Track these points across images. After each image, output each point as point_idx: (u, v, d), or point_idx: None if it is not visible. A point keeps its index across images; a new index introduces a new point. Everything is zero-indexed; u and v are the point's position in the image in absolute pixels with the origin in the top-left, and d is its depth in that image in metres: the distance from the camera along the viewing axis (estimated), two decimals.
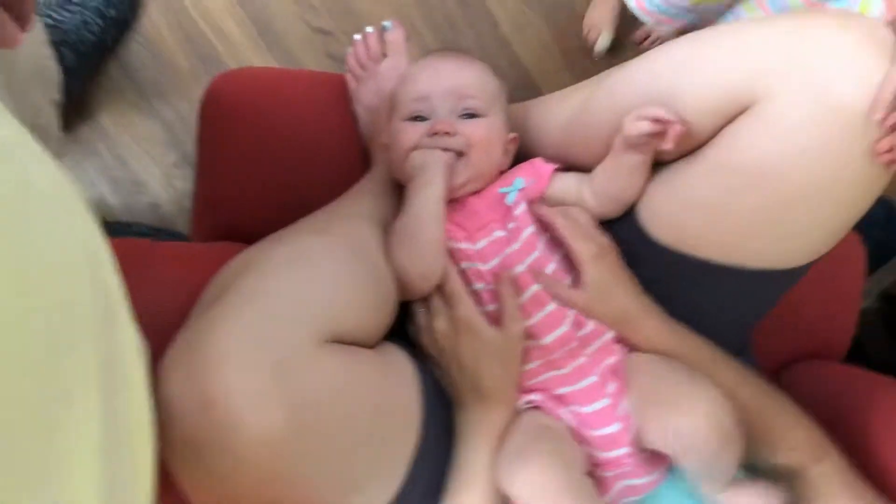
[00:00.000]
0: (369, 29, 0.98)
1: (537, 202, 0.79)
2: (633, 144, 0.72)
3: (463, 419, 0.72)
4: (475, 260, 0.75)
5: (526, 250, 0.75)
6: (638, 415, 0.69)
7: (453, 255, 0.76)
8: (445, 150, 0.76)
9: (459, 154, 0.76)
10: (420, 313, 0.75)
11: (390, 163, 0.82)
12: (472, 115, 0.77)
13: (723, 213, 0.70)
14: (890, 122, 0.60)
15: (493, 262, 0.75)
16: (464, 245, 0.76)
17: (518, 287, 0.74)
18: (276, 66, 1.30)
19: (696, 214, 0.72)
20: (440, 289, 0.74)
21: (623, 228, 0.78)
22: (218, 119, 0.86)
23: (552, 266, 0.76)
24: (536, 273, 0.74)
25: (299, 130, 0.88)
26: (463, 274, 0.75)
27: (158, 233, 1.27)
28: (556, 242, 0.77)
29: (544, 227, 0.77)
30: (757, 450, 0.74)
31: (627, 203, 0.78)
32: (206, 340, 0.54)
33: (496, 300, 0.74)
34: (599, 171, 0.77)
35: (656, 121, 0.68)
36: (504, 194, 0.78)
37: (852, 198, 0.67)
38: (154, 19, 1.27)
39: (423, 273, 0.72)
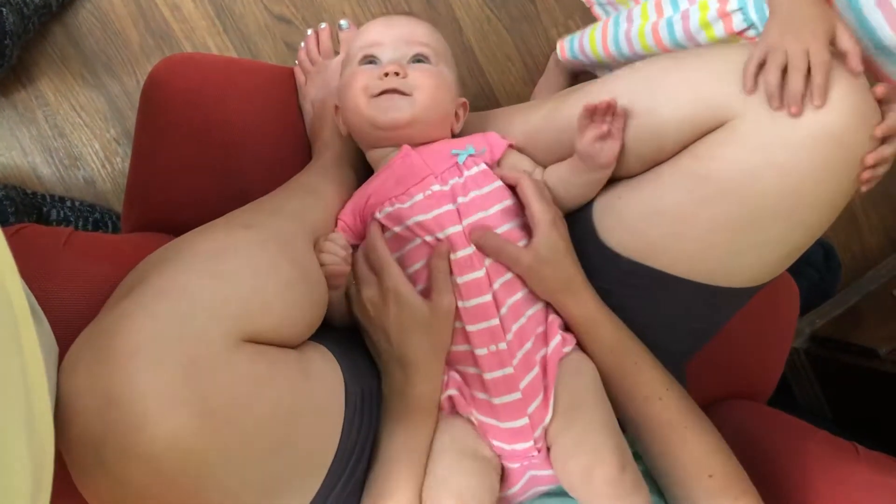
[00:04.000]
0: (323, 25, 0.96)
1: (493, 167, 0.80)
2: (588, 155, 0.74)
3: (387, 390, 0.72)
4: (410, 215, 0.75)
5: (471, 210, 0.75)
6: (551, 431, 0.70)
7: (382, 223, 0.76)
8: (394, 91, 0.76)
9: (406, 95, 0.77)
10: (351, 286, 0.75)
11: (345, 118, 0.81)
12: (423, 60, 0.78)
13: (688, 223, 0.72)
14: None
15: (429, 216, 0.75)
16: (395, 207, 0.76)
17: (451, 247, 0.73)
18: (231, 49, 1.26)
19: (661, 223, 0.74)
20: (368, 259, 0.74)
21: (580, 238, 0.79)
22: (158, 105, 0.83)
23: (503, 229, 0.76)
24: (483, 230, 0.74)
25: (242, 123, 0.86)
26: (393, 238, 0.76)
27: (92, 210, 1.22)
28: (508, 212, 0.77)
29: (500, 195, 0.77)
30: (673, 468, 0.74)
31: (577, 206, 0.80)
32: (114, 335, 0.52)
33: (421, 259, 0.74)
34: (555, 178, 0.79)
35: (596, 112, 0.72)
36: (455, 155, 0.78)
37: (811, 219, 0.69)
38: None
39: None
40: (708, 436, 0.74)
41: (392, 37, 0.79)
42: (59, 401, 0.50)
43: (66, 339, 0.55)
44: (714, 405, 0.97)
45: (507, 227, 0.75)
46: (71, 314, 0.61)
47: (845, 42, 0.67)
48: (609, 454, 0.65)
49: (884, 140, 0.66)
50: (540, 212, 0.75)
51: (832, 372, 1.30)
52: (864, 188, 0.69)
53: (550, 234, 0.74)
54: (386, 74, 0.76)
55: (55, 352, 0.55)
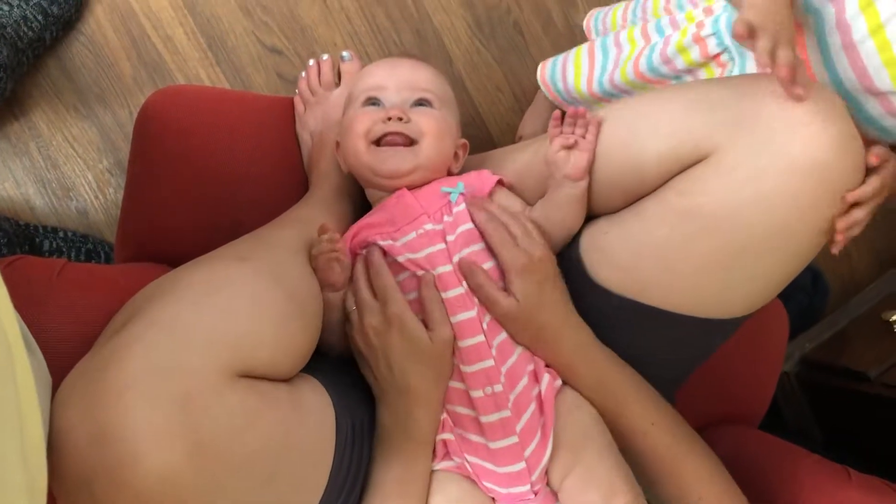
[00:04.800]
0: (325, 56, 0.97)
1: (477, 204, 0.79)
2: (554, 162, 0.74)
3: (385, 419, 0.71)
4: (401, 252, 0.75)
5: (458, 246, 0.75)
6: (554, 471, 0.70)
7: (385, 251, 0.76)
8: (397, 135, 0.76)
9: (411, 142, 0.77)
10: (352, 312, 0.74)
11: (345, 158, 0.81)
12: (426, 104, 0.79)
13: (677, 258, 0.72)
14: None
15: (421, 254, 0.75)
16: (387, 243, 0.76)
17: (442, 286, 0.73)
18: (223, 81, 1.27)
19: (649, 259, 0.74)
20: (371, 284, 0.74)
21: (569, 275, 0.79)
22: (152, 137, 0.84)
23: (489, 265, 0.75)
24: (470, 265, 0.73)
25: (235, 154, 0.86)
26: (391, 266, 0.75)
27: (85, 240, 1.22)
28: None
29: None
30: (664, 494, 0.74)
31: (565, 237, 0.79)
32: (107, 369, 0.52)
33: (413, 290, 0.74)
34: (538, 209, 0.79)
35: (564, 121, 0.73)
36: (446, 193, 0.78)
37: (800, 248, 0.70)
38: (100, 20, 1.23)
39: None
40: (698, 461, 0.75)
41: (396, 80, 0.79)
42: (52, 435, 0.50)
43: (60, 370, 0.55)
44: (705, 430, 0.97)
45: (492, 264, 0.75)
46: (64, 346, 0.61)
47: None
48: (622, 485, 0.66)
49: (856, 204, 0.66)
50: (507, 260, 0.73)
51: (823, 395, 1.30)
52: (833, 249, 0.69)
53: (521, 282, 0.73)
54: (389, 119, 0.76)
55: (48, 383, 0.55)
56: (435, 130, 0.78)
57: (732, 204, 0.68)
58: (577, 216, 0.78)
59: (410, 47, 1.33)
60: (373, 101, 0.79)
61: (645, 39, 0.98)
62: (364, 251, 0.77)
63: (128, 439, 0.50)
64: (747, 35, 0.64)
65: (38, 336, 0.55)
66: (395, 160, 0.77)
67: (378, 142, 0.77)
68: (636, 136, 0.73)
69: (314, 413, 0.67)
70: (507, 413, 0.70)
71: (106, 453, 0.50)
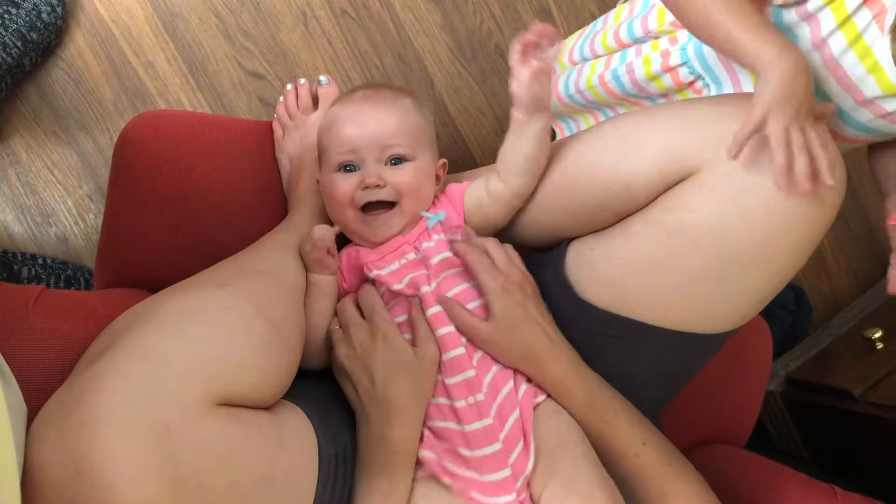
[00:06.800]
0: (302, 80, 0.98)
1: (456, 230, 0.80)
2: (529, 97, 0.73)
3: (364, 435, 0.71)
4: (389, 281, 0.76)
5: (437, 271, 0.77)
6: (534, 483, 0.70)
7: (375, 281, 0.78)
8: (378, 202, 0.77)
9: (392, 204, 0.78)
10: (335, 331, 0.75)
11: (331, 217, 0.82)
12: (399, 160, 0.78)
13: (663, 274, 0.73)
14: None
15: (404, 282, 0.76)
16: (374, 273, 0.77)
17: (424, 304, 0.75)
18: (205, 105, 1.27)
19: (635, 275, 0.74)
20: (358, 303, 0.76)
21: (555, 291, 0.79)
22: (131, 162, 0.83)
23: (459, 288, 0.76)
24: (446, 300, 0.75)
25: (215, 179, 0.86)
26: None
27: (64, 267, 1.21)
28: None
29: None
30: None
31: (535, 175, 0.79)
32: (83, 400, 0.51)
33: (403, 314, 0.76)
34: (501, 152, 0.79)
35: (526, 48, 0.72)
36: (425, 218, 0.80)
37: (784, 263, 0.70)
38: (80, 46, 1.23)
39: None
40: (687, 484, 0.75)
41: (366, 139, 0.77)
42: (26, 469, 0.49)
43: (36, 399, 0.54)
44: (691, 451, 0.97)
45: (467, 285, 0.77)
46: (40, 375, 0.60)
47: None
48: (600, 493, 0.65)
49: None
50: (487, 284, 0.75)
51: (808, 414, 1.30)
52: None
53: (502, 303, 0.74)
54: (367, 187, 0.76)
55: (24, 414, 0.54)
56: (412, 187, 0.78)
57: (717, 221, 0.68)
58: (546, 150, 0.78)
59: (392, 71, 1.33)
60: (347, 167, 0.78)
61: (606, 67, 0.98)
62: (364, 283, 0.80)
63: (105, 474, 0.49)
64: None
65: (13, 364, 0.54)
66: (384, 229, 0.78)
67: (364, 207, 0.78)
68: (625, 156, 0.73)
69: (296, 440, 0.66)
70: (489, 421, 0.71)
71: (82, 488, 0.48)
